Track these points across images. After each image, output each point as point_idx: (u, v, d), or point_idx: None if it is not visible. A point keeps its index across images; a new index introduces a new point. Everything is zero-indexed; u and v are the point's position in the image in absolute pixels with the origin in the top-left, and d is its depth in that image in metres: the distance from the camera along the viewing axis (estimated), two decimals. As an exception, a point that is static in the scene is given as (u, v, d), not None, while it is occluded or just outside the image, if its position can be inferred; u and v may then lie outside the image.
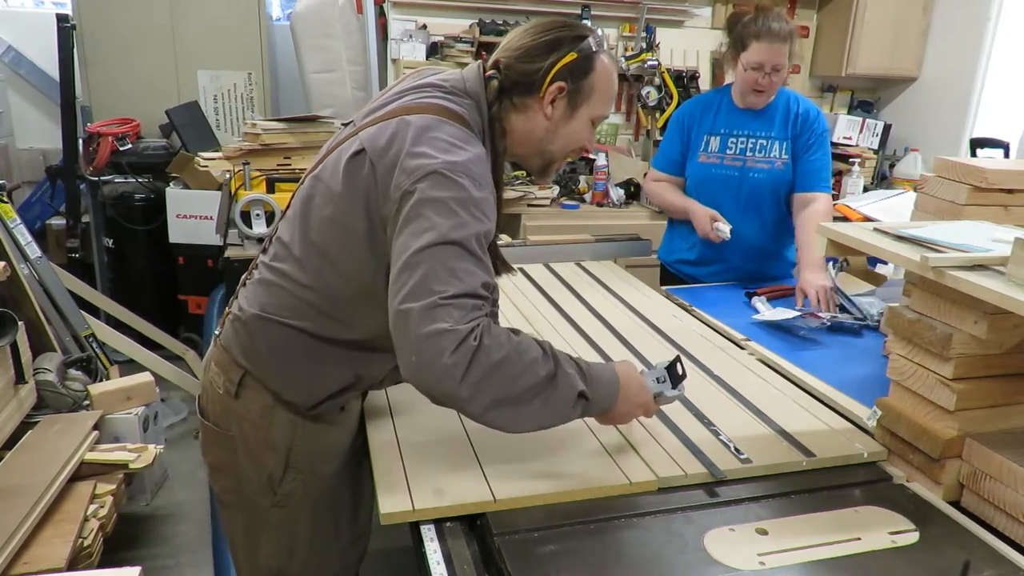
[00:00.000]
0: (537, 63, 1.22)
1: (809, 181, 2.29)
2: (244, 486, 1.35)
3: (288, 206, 1.33)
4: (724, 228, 2.23)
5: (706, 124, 2.34)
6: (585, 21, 3.85)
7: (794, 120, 2.30)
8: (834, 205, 3.56)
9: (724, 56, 2.35)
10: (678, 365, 1.29)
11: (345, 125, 1.33)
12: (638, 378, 1.24)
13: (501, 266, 1.40)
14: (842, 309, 2.01)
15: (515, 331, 1.10)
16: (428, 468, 1.25)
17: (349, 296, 1.23)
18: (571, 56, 1.22)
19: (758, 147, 2.31)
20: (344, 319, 1.25)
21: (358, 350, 1.28)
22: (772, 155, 2.30)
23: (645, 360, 1.73)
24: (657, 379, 1.28)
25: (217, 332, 1.37)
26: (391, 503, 1.15)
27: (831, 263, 2.16)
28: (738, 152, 2.32)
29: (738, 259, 2.38)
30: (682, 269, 2.52)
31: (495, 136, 1.26)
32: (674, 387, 1.28)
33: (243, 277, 1.38)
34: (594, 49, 1.24)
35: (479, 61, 1.28)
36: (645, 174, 3.73)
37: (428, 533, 1.13)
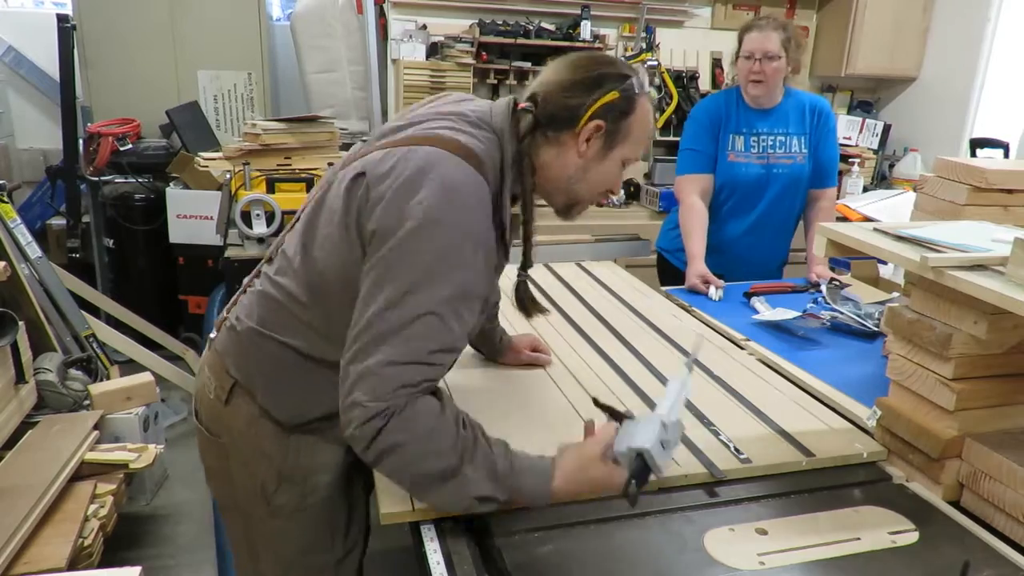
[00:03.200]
0: (578, 98, 1.17)
1: (822, 177, 2.44)
2: (238, 493, 1.33)
3: (296, 220, 1.28)
4: (715, 292, 2.21)
5: (731, 123, 2.37)
6: (585, 21, 3.86)
7: (810, 114, 2.40)
8: (834, 205, 3.57)
9: (733, 64, 2.41)
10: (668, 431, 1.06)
11: (364, 141, 1.30)
12: (594, 469, 1.09)
13: (532, 307, 1.37)
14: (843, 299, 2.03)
15: (449, 408, 1.07)
16: (428, 468, 1.25)
17: (344, 319, 1.12)
18: (613, 95, 1.17)
19: (778, 143, 2.37)
20: (339, 341, 1.12)
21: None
22: (793, 151, 2.38)
23: (649, 363, 1.73)
24: (622, 456, 1.07)
25: (213, 335, 1.34)
26: (391, 503, 1.15)
27: (823, 284, 2.20)
28: (762, 150, 2.37)
29: (748, 252, 2.44)
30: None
31: (523, 172, 1.20)
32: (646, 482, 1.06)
33: (244, 283, 1.34)
34: (637, 91, 1.20)
35: (511, 96, 1.24)
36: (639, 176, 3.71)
37: (428, 533, 1.13)
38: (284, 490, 1.28)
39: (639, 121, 1.21)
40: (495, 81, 3.98)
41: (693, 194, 2.38)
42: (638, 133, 1.22)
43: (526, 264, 1.35)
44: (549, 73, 1.22)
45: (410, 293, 1.03)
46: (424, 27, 3.94)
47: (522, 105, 1.20)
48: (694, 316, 2.09)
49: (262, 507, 1.30)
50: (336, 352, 1.14)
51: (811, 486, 1.26)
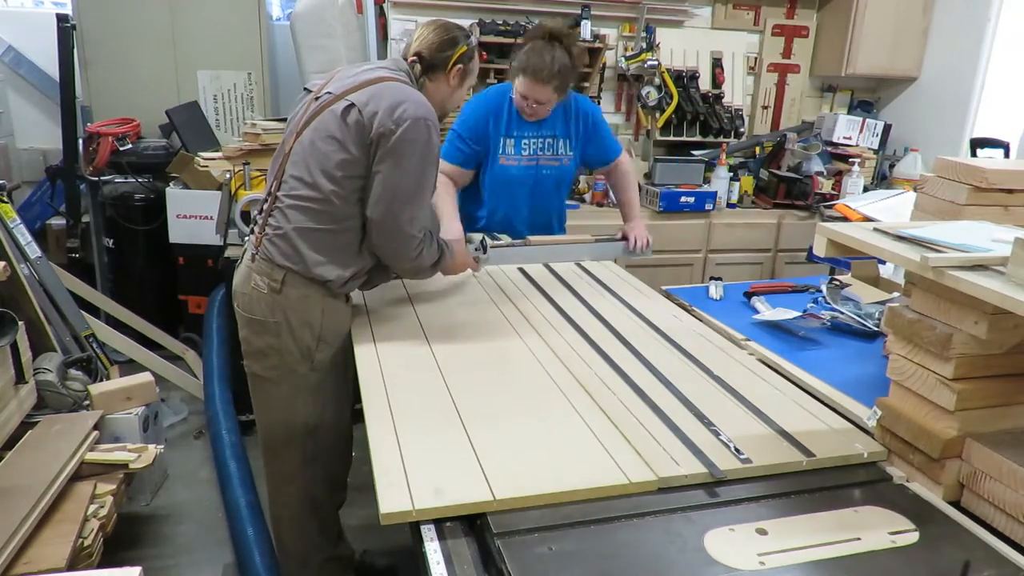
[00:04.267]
0: (445, 52, 1.88)
1: (605, 155, 2.63)
2: (286, 359, 1.83)
3: (288, 152, 1.82)
4: (715, 292, 2.28)
5: (501, 128, 2.48)
6: (585, 21, 3.86)
7: (574, 118, 2.53)
8: (834, 205, 3.58)
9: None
10: (486, 241, 2.22)
11: (317, 99, 1.83)
12: (465, 250, 2.12)
13: None
14: (844, 299, 2.03)
15: (431, 233, 1.89)
16: (428, 467, 1.25)
17: (352, 199, 1.78)
18: (464, 48, 1.90)
19: (546, 146, 2.53)
20: (353, 214, 1.79)
21: (362, 243, 1.84)
22: (559, 153, 2.55)
23: (649, 363, 1.73)
24: (475, 248, 2.17)
25: (255, 251, 1.83)
26: (391, 502, 1.15)
27: (822, 281, 2.19)
28: (532, 152, 2.52)
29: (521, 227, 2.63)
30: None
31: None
32: (485, 252, 2.19)
33: (256, 215, 1.91)
34: (474, 43, 1.94)
35: (402, 54, 1.92)
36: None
37: (428, 533, 1.13)
38: (322, 349, 1.85)
39: (476, 62, 1.98)
40: (495, 80, 3.97)
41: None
42: (476, 69, 1.99)
43: None
44: (422, 37, 1.89)
45: (413, 167, 1.74)
46: (424, 27, 3.94)
47: (412, 59, 1.88)
48: (694, 316, 2.09)
49: (306, 365, 1.85)
50: (353, 222, 1.80)
51: (811, 486, 1.26)
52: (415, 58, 1.88)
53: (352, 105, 1.73)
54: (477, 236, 2.24)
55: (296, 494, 1.98)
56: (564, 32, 2.35)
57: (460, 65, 1.90)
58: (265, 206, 1.87)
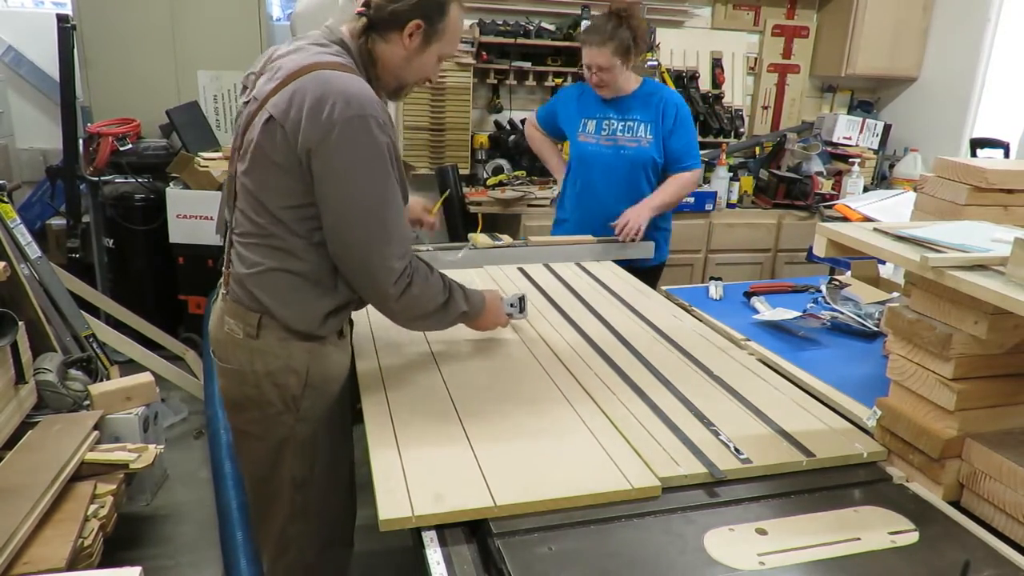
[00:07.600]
0: (400, 3, 1.42)
1: (678, 157, 2.68)
2: (268, 411, 1.55)
3: (235, 184, 1.51)
4: (715, 292, 2.27)
5: (583, 109, 2.74)
6: (585, 21, 3.86)
7: (661, 107, 2.66)
8: (834, 205, 3.58)
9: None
10: (525, 299, 1.88)
11: (247, 103, 1.50)
12: (499, 303, 1.77)
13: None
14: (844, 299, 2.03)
15: (430, 268, 1.54)
16: (428, 473, 1.24)
17: (299, 229, 1.44)
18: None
19: (627, 128, 2.68)
20: (305, 248, 1.46)
21: (335, 270, 1.50)
22: (639, 135, 2.67)
23: (648, 363, 1.73)
24: (511, 304, 1.84)
25: (224, 291, 1.57)
26: (390, 509, 1.14)
27: (822, 281, 2.19)
28: (611, 133, 2.70)
29: (601, 225, 2.69)
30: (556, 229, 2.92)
31: (367, 64, 1.48)
32: (521, 311, 1.86)
33: (226, 246, 1.60)
34: None
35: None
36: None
37: (428, 534, 1.13)
38: (308, 396, 1.55)
39: (451, 23, 1.49)
40: (495, 81, 3.98)
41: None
42: (451, 33, 1.50)
43: None
44: None
45: (361, 181, 1.37)
46: (424, 27, 3.94)
47: (359, 10, 1.45)
48: (694, 316, 2.09)
49: (291, 416, 1.55)
50: (312, 258, 1.47)
51: (811, 486, 1.26)
52: (363, 9, 1.45)
53: (271, 118, 1.37)
54: (514, 293, 1.90)
55: (286, 557, 1.69)
56: (625, 7, 2.54)
57: (417, 20, 1.43)
58: (227, 238, 1.59)
